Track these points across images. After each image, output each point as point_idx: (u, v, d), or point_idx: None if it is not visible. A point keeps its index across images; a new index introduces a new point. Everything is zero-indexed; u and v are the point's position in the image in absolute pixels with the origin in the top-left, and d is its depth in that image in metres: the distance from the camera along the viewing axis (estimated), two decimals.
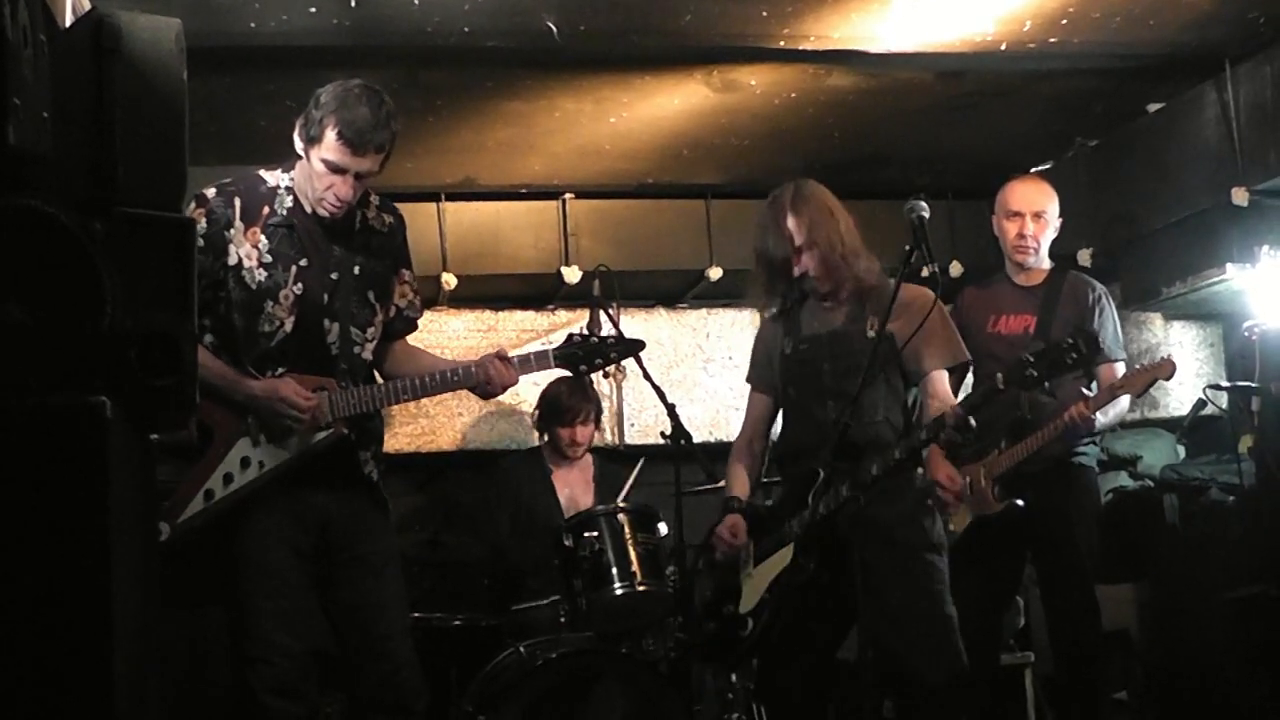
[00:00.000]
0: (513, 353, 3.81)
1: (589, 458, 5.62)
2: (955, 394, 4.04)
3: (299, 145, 3.63)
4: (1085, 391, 4.55)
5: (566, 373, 3.93)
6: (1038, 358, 3.52)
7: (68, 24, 3.28)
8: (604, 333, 4.01)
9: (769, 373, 4.12)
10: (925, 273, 3.59)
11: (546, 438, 5.60)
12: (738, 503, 4.07)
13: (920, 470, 3.99)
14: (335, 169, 3.57)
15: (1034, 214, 4.75)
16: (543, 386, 5.75)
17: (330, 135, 3.53)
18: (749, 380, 4.25)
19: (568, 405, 5.46)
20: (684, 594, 4.22)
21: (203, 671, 4.72)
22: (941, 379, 3.89)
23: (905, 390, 3.92)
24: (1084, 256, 5.95)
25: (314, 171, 3.59)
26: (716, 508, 4.21)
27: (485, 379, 3.73)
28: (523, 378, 3.82)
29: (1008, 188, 4.85)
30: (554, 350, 3.85)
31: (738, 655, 4.07)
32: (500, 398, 3.90)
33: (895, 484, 3.80)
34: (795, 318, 4.03)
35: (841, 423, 3.50)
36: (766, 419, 4.19)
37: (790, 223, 3.87)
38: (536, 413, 5.66)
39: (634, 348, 3.98)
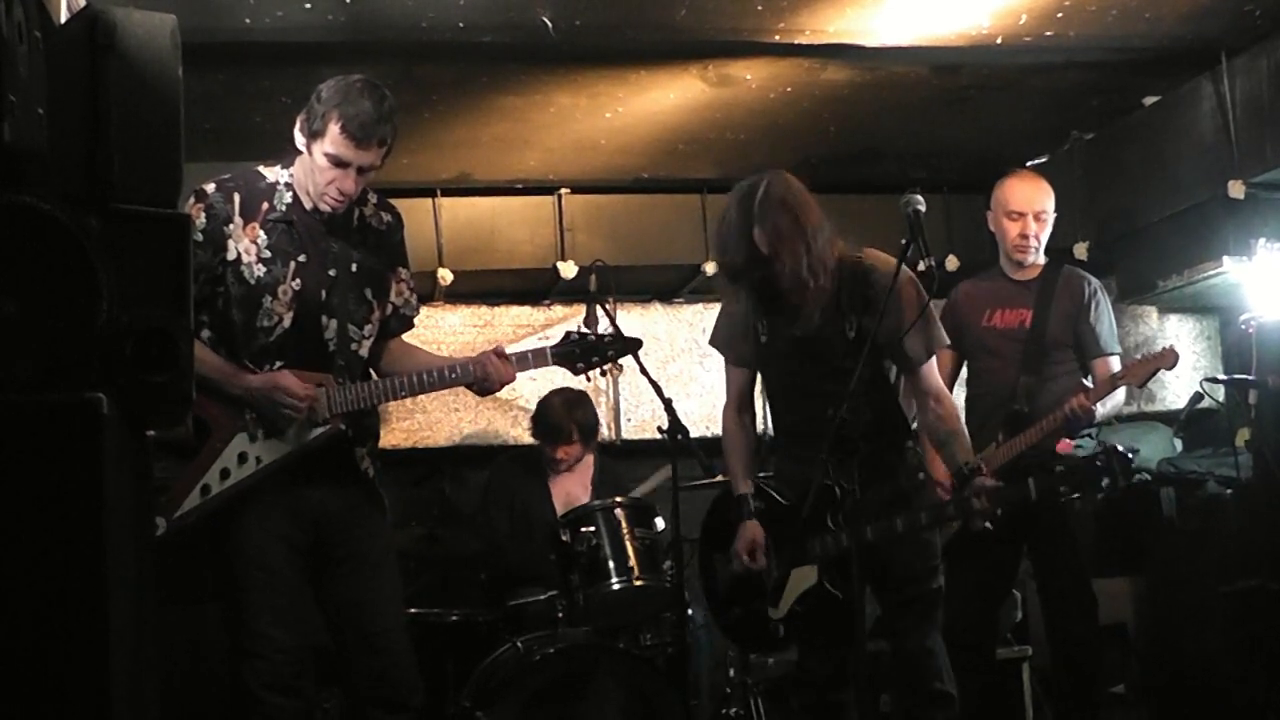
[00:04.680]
0: (510, 349, 3.81)
1: (589, 459, 5.61)
2: (954, 380, 4.02)
3: (300, 140, 3.63)
4: (1085, 383, 4.55)
5: (565, 370, 3.92)
6: (1069, 473, 3.56)
7: (63, 20, 3.28)
8: (602, 330, 4.00)
9: (744, 348, 4.00)
10: (921, 266, 3.59)
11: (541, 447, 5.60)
12: (750, 505, 3.94)
13: (920, 470, 4.01)
14: (338, 163, 3.57)
15: (1036, 214, 4.73)
16: (539, 383, 5.75)
17: (334, 129, 3.54)
18: (717, 348, 4.10)
19: (554, 424, 5.48)
20: (704, 576, 4.19)
21: (199, 667, 4.72)
22: (933, 373, 3.86)
23: (888, 370, 3.89)
24: (1080, 250, 5.95)
25: (316, 166, 3.60)
26: (713, 498, 4.21)
27: (483, 376, 3.74)
28: (520, 374, 3.82)
29: (1007, 186, 4.81)
30: (552, 348, 3.84)
31: (765, 648, 4.10)
32: (497, 394, 3.90)
33: (888, 462, 3.82)
34: (768, 303, 3.86)
35: (839, 417, 3.47)
36: (749, 388, 4.08)
37: (757, 234, 3.67)
38: (531, 423, 5.67)
39: (631, 346, 3.97)
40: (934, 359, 3.88)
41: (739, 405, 4.08)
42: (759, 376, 4.07)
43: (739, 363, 4.06)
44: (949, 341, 4.03)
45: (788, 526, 3.86)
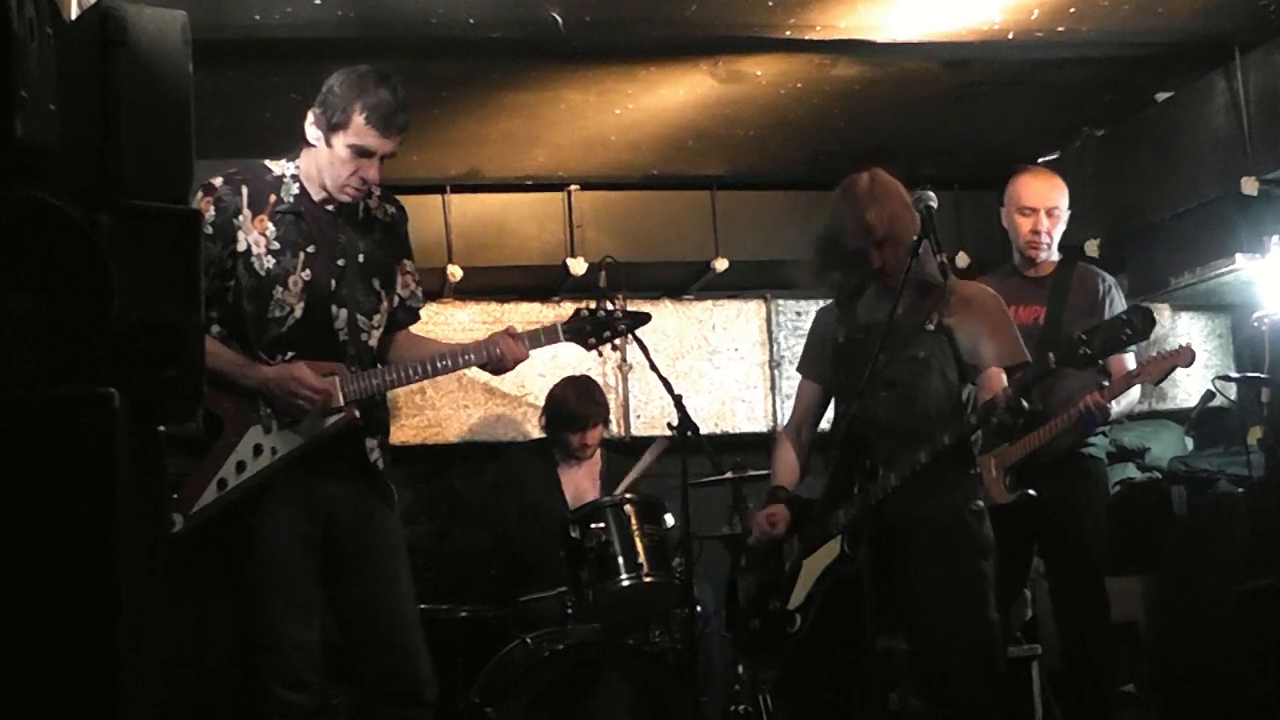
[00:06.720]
0: (521, 330, 3.83)
1: (597, 453, 5.62)
2: None
3: (315, 134, 3.63)
4: (1100, 380, 4.54)
5: (577, 346, 3.92)
6: (1091, 335, 3.45)
7: (74, 16, 3.27)
8: (611, 306, 4.01)
9: (822, 362, 4.06)
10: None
11: (555, 438, 5.60)
12: (783, 491, 4.03)
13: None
14: (362, 153, 3.59)
15: (1048, 210, 4.73)
16: (548, 378, 5.75)
17: (358, 119, 3.56)
18: (799, 369, 4.19)
19: (576, 412, 5.47)
20: (730, 590, 4.21)
21: (211, 662, 4.73)
22: (998, 375, 3.78)
23: (961, 386, 3.86)
24: (1092, 247, 5.93)
25: (337, 158, 3.61)
26: (727, 498, 4.22)
27: (497, 356, 3.76)
28: (528, 368, 3.83)
29: (1019, 182, 4.81)
30: (563, 325, 3.86)
31: (785, 652, 4.00)
32: (506, 390, 3.93)
33: (945, 478, 3.74)
34: (851, 308, 3.95)
35: (886, 404, 3.47)
36: (816, 407, 4.13)
37: (871, 215, 3.77)
38: (544, 416, 5.66)
39: (640, 320, 4.00)
40: (1002, 369, 3.82)
41: (800, 422, 4.13)
42: (829, 392, 4.08)
43: (813, 377, 4.10)
44: (1027, 357, 3.95)
45: (814, 517, 3.90)
